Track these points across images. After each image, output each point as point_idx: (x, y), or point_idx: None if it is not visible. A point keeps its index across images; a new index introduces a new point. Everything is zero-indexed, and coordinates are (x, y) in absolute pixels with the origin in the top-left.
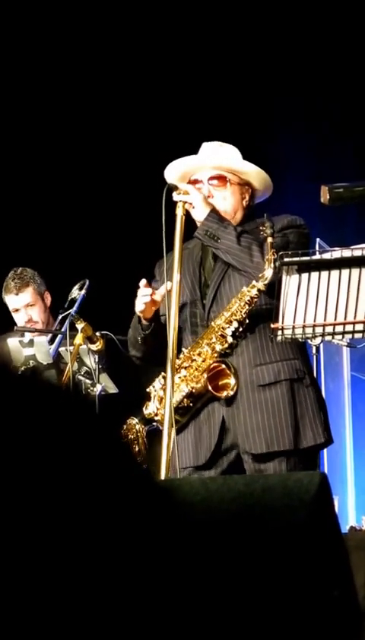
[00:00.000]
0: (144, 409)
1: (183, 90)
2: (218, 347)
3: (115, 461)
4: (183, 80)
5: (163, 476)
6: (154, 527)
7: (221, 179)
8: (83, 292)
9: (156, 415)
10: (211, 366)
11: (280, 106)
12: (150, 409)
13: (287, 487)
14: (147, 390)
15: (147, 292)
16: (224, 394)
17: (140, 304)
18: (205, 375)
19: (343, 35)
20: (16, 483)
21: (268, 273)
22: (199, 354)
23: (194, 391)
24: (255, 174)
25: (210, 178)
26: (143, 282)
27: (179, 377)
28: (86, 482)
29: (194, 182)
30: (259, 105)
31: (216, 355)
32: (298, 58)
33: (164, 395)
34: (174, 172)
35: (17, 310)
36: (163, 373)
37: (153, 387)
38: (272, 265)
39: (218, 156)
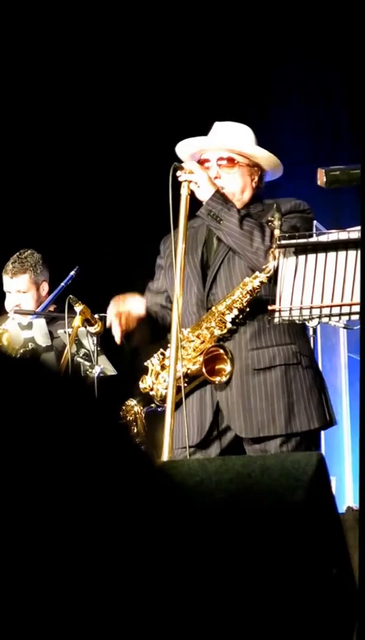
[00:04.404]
0: (140, 382)
1: (181, 72)
2: (217, 332)
3: (114, 443)
4: (180, 62)
5: (166, 456)
6: (153, 509)
7: (229, 160)
8: (72, 272)
9: (151, 390)
10: (209, 350)
11: (275, 88)
12: (146, 383)
13: (285, 468)
14: (145, 364)
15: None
16: (217, 379)
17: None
18: (201, 358)
19: (340, 17)
20: (14, 466)
21: (271, 265)
22: (198, 336)
23: (189, 371)
24: (265, 159)
25: (218, 159)
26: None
27: None
28: (84, 464)
29: (203, 162)
30: (254, 88)
31: (214, 340)
32: (294, 42)
33: (161, 371)
34: (184, 151)
35: (9, 292)
36: (161, 349)
37: (151, 362)
38: (277, 258)
39: (228, 137)
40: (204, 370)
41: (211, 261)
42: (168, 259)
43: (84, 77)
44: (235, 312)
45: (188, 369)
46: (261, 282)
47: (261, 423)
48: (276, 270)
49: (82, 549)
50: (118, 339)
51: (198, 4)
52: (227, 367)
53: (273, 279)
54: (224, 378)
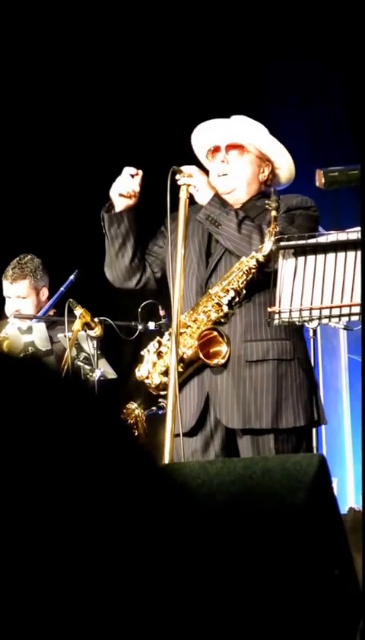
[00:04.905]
0: (136, 370)
1: (180, 72)
2: (213, 315)
3: (118, 445)
4: (180, 62)
5: (167, 457)
6: (156, 511)
7: (239, 147)
8: (71, 277)
9: (146, 378)
10: (203, 333)
11: (274, 88)
12: (142, 371)
13: (286, 469)
14: (142, 353)
15: (134, 176)
16: (215, 361)
17: (126, 186)
18: (196, 343)
19: (340, 17)
20: (17, 469)
21: (268, 245)
22: (195, 321)
23: (185, 356)
24: (276, 150)
25: (228, 145)
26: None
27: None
28: (87, 464)
29: (215, 149)
30: (254, 88)
31: (210, 323)
32: (294, 41)
33: (158, 360)
34: (201, 137)
35: (9, 297)
36: (158, 338)
37: (148, 350)
38: (273, 238)
39: (242, 125)
40: (200, 354)
41: (213, 249)
42: (173, 236)
43: (83, 82)
44: (231, 293)
45: (184, 353)
46: (258, 261)
47: (248, 415)
48: (274, 254)
49: (84, 550)
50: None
51: (198, 4)
52: (224, 348)
53: (273, 280)
54: (222, 360)
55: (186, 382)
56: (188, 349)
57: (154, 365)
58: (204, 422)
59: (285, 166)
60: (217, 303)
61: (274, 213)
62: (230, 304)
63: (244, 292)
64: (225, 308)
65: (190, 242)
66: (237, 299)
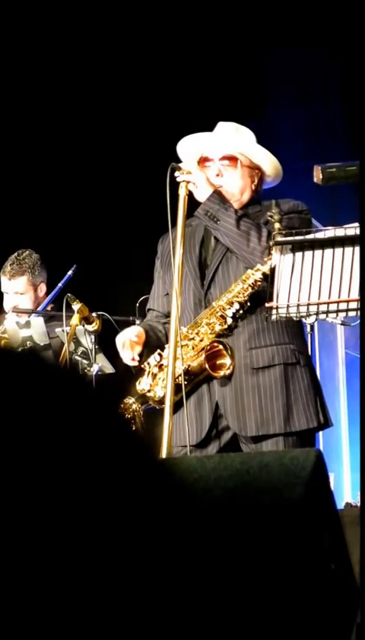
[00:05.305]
0: (137, 384)
1: (178, 71)
2: (217, 328)
3: (116, 439)
4: (178, 60)
5: (164, 455)
6: (153, 505)
7: (232, 159)
8: (69, 272)
9: (148, 391)
10: (209, 346)
11: (271, 84)
12: (142, 384)
13: (283, 464)
14: (142, 366)
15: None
16: (221, 373)
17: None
18: (203, 355)
19: (338, 13)
20: (16, 464)
21: (275, 258)
22: (197, 333)
23: (189, 368)
24: (266, 160)
25: (221, 157)
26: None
27: None
28: (86, 460)
29: (205, 160)
30: (250, 84)
31: (214, 335)
32: (291, 39)
33: (158, 372)
34: (187, 147)
35: (7, 293)
36: (159, 351)
37: (149, 363)
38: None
39: (233, 136)
40: (206, 365)
41: (210, 260)
42: (166, 259)
43: (82, 79)
44: (236, 306)
45: (188, 365)
46: (264, 274)
47: (260, 422)
48: (274, 267)
49: (81, 542)
50: (130, 362)
51: (196, 2)
52: (227, 361)
53: (270, 277)
54: (228, 372)
55: (192, 393)
56: (192, 361)
57: (155, 378)
58: (211, 433)
59: (274, 172)
60: (222, 316)
61: (277, 225)
62: (234, 316)
63: (248, 304)
64: (229, 321)
65: (185, 253)
66: (241, 312)
